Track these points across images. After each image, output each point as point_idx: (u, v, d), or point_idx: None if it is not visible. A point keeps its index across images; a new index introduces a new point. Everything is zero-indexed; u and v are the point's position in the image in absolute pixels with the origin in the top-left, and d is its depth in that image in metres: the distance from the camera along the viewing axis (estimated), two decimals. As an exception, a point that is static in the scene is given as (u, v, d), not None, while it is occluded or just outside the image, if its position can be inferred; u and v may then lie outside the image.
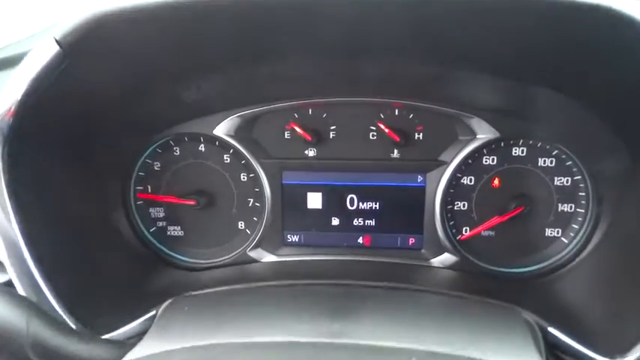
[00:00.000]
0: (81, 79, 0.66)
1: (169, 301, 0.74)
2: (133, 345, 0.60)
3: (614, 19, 0.55)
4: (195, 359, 0.47)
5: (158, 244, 1.04)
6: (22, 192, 0.71)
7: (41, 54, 0.60)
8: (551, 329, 0.74)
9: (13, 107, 0.63)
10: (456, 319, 0.62)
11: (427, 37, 0.69)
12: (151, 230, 1.04)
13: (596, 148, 0.87)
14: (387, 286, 0.78)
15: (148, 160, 1.01)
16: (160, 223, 1.04)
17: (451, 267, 0.99)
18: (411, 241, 1.01)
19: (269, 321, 0.59)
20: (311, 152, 0.99)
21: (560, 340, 0.72)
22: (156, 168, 1.02)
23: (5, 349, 0.53)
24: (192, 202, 1.00)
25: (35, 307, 0.57)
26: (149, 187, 1.03)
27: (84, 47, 0.60)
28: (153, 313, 0.82)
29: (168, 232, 1.05)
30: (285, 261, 1.01)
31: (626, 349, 0.66)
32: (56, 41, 0.59)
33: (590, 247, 0.95)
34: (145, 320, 0.78)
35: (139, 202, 1.03)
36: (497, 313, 0.67)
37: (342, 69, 0.86)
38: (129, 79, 0.73)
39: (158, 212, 1.04)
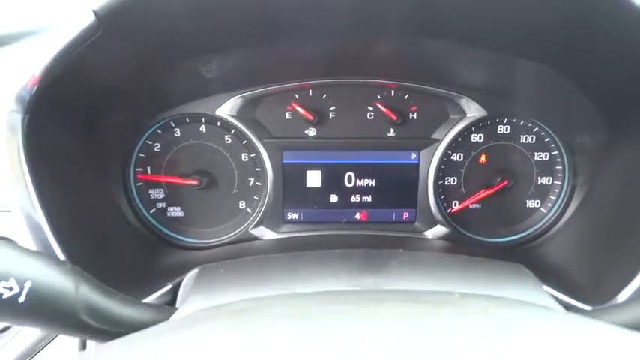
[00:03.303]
0: (106, 52, 0.67)
1: (196, 269, 0.75)
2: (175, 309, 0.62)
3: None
4: (257, 307, 0.50)
5: (158, 226, 1.05)
6: (38, 166, 0.71)
7: (75, 23, 0.61)
8: (544, 287, 0.83)
9: (37, 75, 0.63)
10: (473, 269, 0.68)
11: (426, 13, 0.74)
12: (151, 212, 1.05)
13: (574, 123, 0.97)
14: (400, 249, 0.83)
15: (148, 142, 1.02)
16: (160, 205, 1.05)
17: (443, 238, 1.05)
18: (405, 215, 1.07)
19: (308, 277, 0.63)
20: (311, 132, 1.03)
21: (553, 295, 0.81)
22: (156, 149, 1.02)
23: (57, 311, 0.54)
24: (194, 182, 1.01)
25: (82, 273, 0.58)
26: (149, 168, 1.03)
27: (118, 20, 0.61)
28: (168, 287, 0.84)
29: (169, 214, 1.06)
30: (287, 237, 1.05)
31: (608, 298, 0.75)
32: (93, 12, 0.60)
33: (566, 216, 1.05)
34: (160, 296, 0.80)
35: (138, 184, 1.03)
36: (503, 265, 0.74)
37: (341, 50, 0.90)
38: (150, 55, 0.74)
39: (158, 193, 1.05)
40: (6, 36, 0.85)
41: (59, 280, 0.55)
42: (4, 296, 0.52)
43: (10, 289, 0.52)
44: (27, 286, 0.53)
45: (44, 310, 0.55)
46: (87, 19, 0.60)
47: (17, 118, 0.66)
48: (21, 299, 0.53)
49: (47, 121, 0.70)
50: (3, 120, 0.66)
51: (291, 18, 0.74)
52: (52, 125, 0.72)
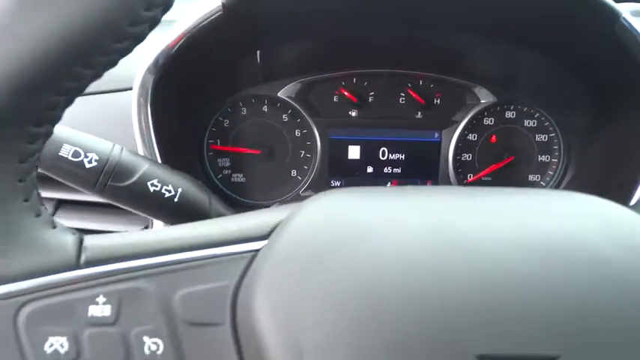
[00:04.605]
0: (223, 37, 0.90)
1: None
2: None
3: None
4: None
5: (224, 189, 1.26)
6: (159, 123, 0.93)
7: (205, 9, 0.84)
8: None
9: (176, 38, 0.85)
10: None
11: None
12: (219, 177, 1.26)
13: (569, 109, 1.20)
14: None
15: (220, 118, 1.24)
16: (226, 171, 1.27)
17: (460, 204, 1.27)
18: (429, 184, 1.29)
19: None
20: (353, 113, 1.25)
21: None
22: (225, 125, 1.24)
23: (198, 213, 0.76)
24: (257, 152, 1.24)
25: (210, 191, 0.80)
26: (218, 141, 1.25)
27: (241, 12, 0.85)
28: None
29: (232, 179, 1.27)
30: (331, 200, 1.26)
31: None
32: (222, 4, 0.83)
33: (561, 187, 1.27)
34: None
35: (209, 153, 1.25)
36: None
37: (383, 46, 1.14)
38: (251, 41, 0.98)
39: (224, 162, 1.26)
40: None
41: (199, 192, 0.77)
42: (166, 195, 0.73)
43: (169, 191, 0.73)
44: (179, 190, 0.74)
45: (189, 211, 0.76)
46: (215, 7, 0.83)
47: (150, 79, 0.89)
48: (175, 199, 0.74)
49: (166, 84, 0.92)
50: (139, 79, 0.89)
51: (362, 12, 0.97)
52: (168, 89, 0.94)
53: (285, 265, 0.44)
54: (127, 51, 0.42)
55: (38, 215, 0.45)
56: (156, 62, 0.87)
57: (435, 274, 0.41)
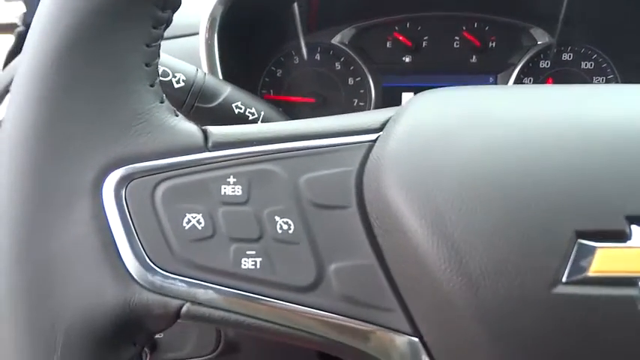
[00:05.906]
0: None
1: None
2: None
3: None
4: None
5: (278, 139, 1.27)
6: (226, 60, 0.94)
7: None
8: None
9: None
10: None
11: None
12: (272, 127, 1.27)
13: (627, 46, 1.17)
14: None
15: (272, 68, 1.24)
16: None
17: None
18: (483, 131, 1.28)
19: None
20: (407, 59, 1.24)
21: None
22: (278, 75, 1.24)
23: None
24: (312, 100, 1.24)
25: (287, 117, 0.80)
26: (271, 91, 1.25)
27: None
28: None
29: (286, 129, 1.28)
30: (386, 148, 1.26)
31: None
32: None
33: (620, 129, 1.24)
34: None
35: (263, 104, 1.26)
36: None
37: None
38: None
39: (278, 111, 1.27)
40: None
41: (279, 117, 0.78)
42: (249, 118, 0.74)
43: (252, 114, 0.74)
44: (262, 113, 0.75)
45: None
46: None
47: (218, 11, 0.89)
48: (259, 121, 0.75)
49: (233, 20, 0.92)
50: (206, 13, 0.89)
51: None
52: (233, 27, 0.95)
53: (409, 145, 0.45)
54: None
55: (162, 102, 0.45)
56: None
57: (565, 145, 0.40)
